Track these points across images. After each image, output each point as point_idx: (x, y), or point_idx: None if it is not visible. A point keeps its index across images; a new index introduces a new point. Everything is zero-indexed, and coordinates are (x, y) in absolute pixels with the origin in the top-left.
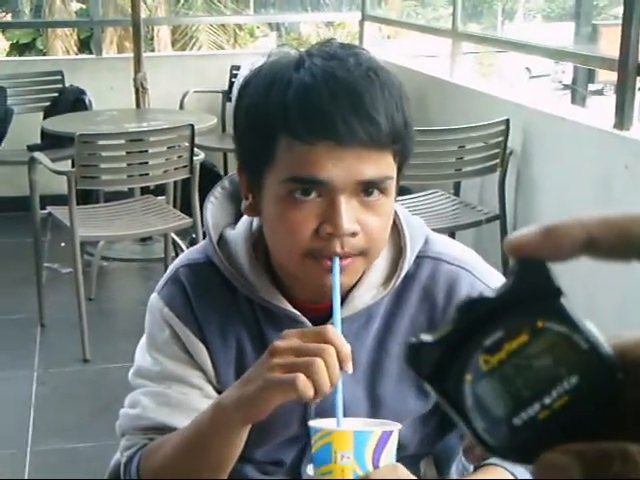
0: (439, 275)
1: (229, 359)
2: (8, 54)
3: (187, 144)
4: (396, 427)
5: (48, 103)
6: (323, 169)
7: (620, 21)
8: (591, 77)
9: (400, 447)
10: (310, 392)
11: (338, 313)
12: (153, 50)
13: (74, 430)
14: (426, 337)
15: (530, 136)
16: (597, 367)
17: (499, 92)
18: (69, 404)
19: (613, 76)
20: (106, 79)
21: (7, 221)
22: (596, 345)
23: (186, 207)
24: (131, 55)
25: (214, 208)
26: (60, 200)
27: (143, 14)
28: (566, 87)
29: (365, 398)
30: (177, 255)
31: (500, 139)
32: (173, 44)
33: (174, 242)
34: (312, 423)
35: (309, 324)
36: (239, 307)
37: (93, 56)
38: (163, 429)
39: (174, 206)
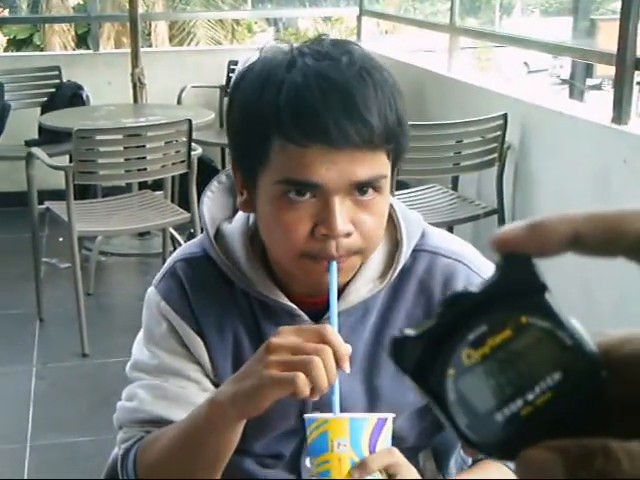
0: (436, 269)
1: (226, 353)
2: (5, 49)
3: (185, 139)
4: (390, 415)
5: (45, 98)
6: (317, 172)
7: (618, 16)
8: (589, 72)
9: (398, 440)
10: (307, 391)
11: (335, 315)
12: (150, 45)
13: (73, 425)
14: (409, 331)
15: (528, 131)
16: (581, 364)
17: (497, 87)
18: (68, 399)
19: (611, 71)
20: (103, 74)
21: (5, 216)
22: (580, 342)
23: (184, 202)
24: (128, 50)
25: (211, 202)
26: (58, 195)
27: (140, 9)
28: (564, 82)
29: (363, 391)
30: (175, 250)
31: (498, 134)
32: (171, 39)
33: (172, 237)
34: (307, 415)
35: (306, 318)
36: (236, 301)
37: (90, 51)
38: (160, 422)
39: (172, 201)
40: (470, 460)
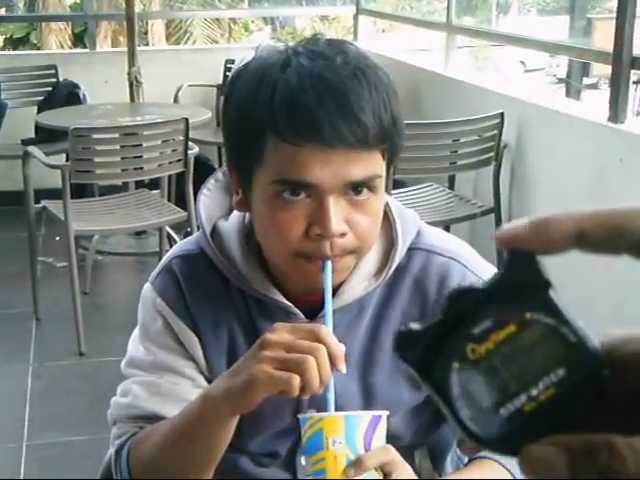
0: (431, 267)
1: (221, 350)
2: (2, 48)
3: (181, 138)
4: (385, 412)
5: (42, 97)
6: (311, 172)
7: (614, 15)
8: (586, 71)
9: (394, 438)
10: (298, 390)
11: (330, 315)
12: (147, 44)
13: (70, 423)
14: (415, 325)
15: (525, 129)
16: (584, 361)
17: (494, 86)
18: (65, 397)
19: (607, 69)
20: (100, 73)
21: (1, 215)
22: (584, 339)
23: (180, 201)
24: (125, 49)
25: (207, 200)
26: (54, 194)
27: (137, 8)
28: (561, 81)
29: (358, 389)
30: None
31: (495, 132)
32: (167, 38)
33: (169, 236)
34: (301, 415)
35: (301, 315)
36: (232, 298)
37: (87, 50)
38: (154, 418)
39: (168, 200)
40: (466, 458)
